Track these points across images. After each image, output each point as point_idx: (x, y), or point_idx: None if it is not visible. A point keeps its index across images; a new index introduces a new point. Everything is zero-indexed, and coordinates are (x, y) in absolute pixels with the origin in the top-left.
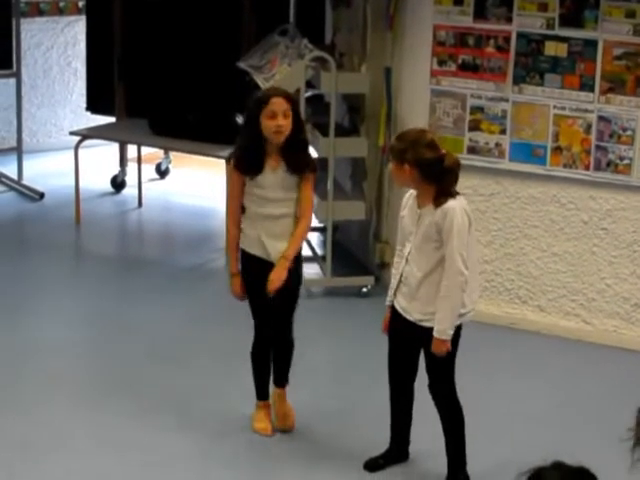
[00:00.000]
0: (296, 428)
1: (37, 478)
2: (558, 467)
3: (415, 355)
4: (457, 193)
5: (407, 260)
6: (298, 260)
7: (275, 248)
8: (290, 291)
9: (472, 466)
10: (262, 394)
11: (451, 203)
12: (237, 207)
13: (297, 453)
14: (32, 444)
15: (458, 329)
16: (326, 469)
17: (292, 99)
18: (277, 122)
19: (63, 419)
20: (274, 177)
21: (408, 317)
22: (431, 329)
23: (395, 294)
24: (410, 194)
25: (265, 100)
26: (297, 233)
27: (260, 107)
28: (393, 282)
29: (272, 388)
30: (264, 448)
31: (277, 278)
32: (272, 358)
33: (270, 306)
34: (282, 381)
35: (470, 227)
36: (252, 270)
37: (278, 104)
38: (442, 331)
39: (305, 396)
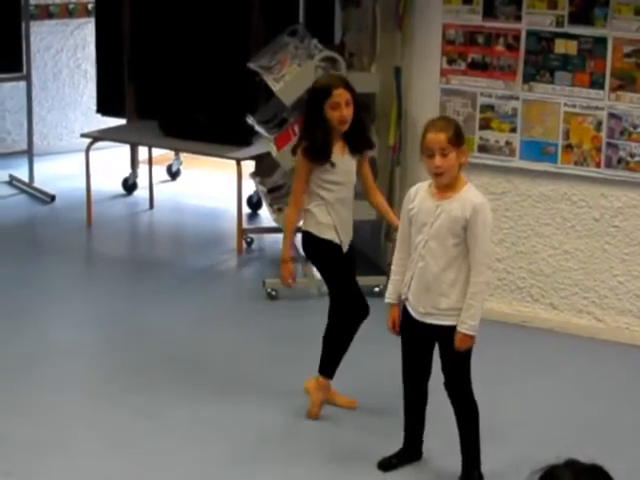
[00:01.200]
0: (305, 428)
1: (45, 476)
2: (571, 465)
3: (429, 354)
4: None
5: (421, 255)
6: None
7: (346, 234)
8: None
9: (485, 465)
10: (328, 370)
11: (477, 197)
12: (303, 195)
13: (305, 451)
14: (42, 446)
15: None
16: (337, 467)
17: (349, 84)
18: (341, 113)
19: (74, 420)
20: (343, 161)
21: (420, 312)
22: (447, 327)
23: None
24: (418, 186)
25: (328, 92)
26: (385, 206)
27: (323, 98)
28: (397, 278)
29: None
30: (277, 443)
31: None
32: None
33: (353, 278)
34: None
35: None
36: (328, 251)
37: (340, 95)
38: (473, 327)
39: None
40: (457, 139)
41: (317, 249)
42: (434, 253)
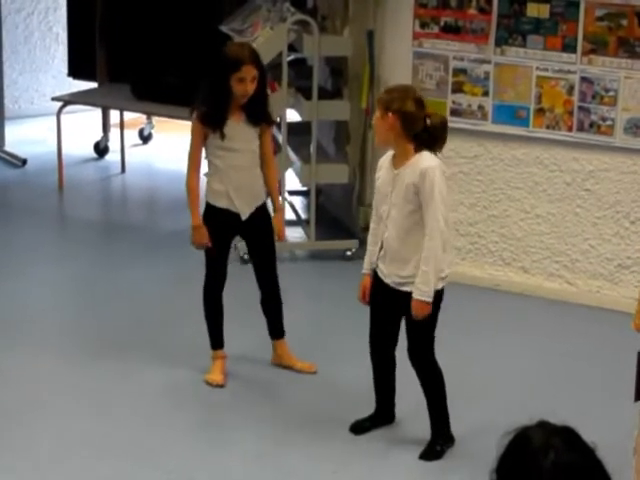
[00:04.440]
0: (277, 391)
1: (24, 439)
2: (543, 426)
3: (397, 322)
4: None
5: (386, 224)
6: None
7: (242, 199)
8: (271, 241)
9: (456, 426)
10: (218, 342)
11: (427, 162)
12: (200, 159)
13: (279, 416)
14: (16, 409)
15: (440, 294)
16: (311, 432)
17: (259, 62)
18: (245, 88)
19: (48, 384)
20: (238, 128)
21: (388, 281)
22: (408, 294)
23: (377, 260)
24: (386, 156)
25: (237, 67)
26: (273, 184)
27: (232, 71)
28: (372, 249)
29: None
30: (246, 409)
31: (282, 227)
32: (266, 312)
33: (227, 256)
34: (283, 330)
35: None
36: (218, 222)
37: (248, 71)
38: (425, 292)
39: None
40: (385, 103)
41: (210, 218)
42: (395, 221)
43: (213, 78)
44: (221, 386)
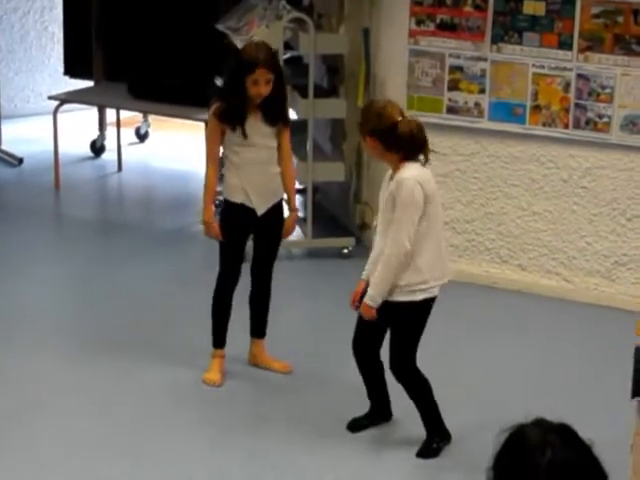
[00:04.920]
0: (275, 390)
1: (23, 439)
2: (539, 423)
3: (381, 329)
4: (425, 162)
5: (376, 232)
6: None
7: (258, 194)
8: (278, 240)
9: (453, 425)
10: (221, 341)
11: (406, 173)
12: (217, 154)
13: (276, 414)
14: (15, 409)
15: (426, 306)
16: (308, 430)
17: (276, 65)
18: (259, 90)
19: (47, 384)
20: (255, 125)
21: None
22: (392, 304)
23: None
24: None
25: (252, 69)
26: (290, 184)
27: (247, 73)
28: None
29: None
30: (244, 407)
31: (292, 228)
32: (253, 309)
33: (242, 253)
34: (264, 331)
35: (431, 200)
36: (233, 217)
37: (262, 74)
38: (371, 296)
39: (284, 356)
40: (360, 129)
41: (226, 213)
42: (380, 230)
43: (229, 77)
44: (218, 386)
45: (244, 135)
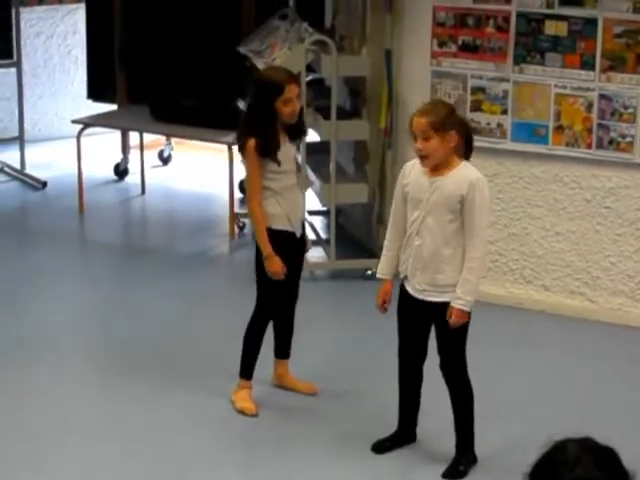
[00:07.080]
0: (299, 410)
1: (45, 463)
2: (583, 441)
3: (425, 334)
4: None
5: (418, 231)
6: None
7: (296, 217)
8: (302, 260)
9: (478, 446)
10: (250, 373)
11: (473, 174)
12: (260, 186)
13: (300, 435)
14: (41, 430)
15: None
16: (333, 451)
17: (297, 78)
18: (294, 108)
19: (66, 407)
20: (285, 150)
21: (417, 287)
22: (443, 304)
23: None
24: (413, 163)
25: (280, 89)
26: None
27: (276, 95)
28: (389, 254)
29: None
30: (268, 429)
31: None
32: (279, 328)
33: (286, 289)
34: (289, 352)
35: None
36: (280, 246)
37: (292, 91)
38: (468, 302)
39: (309, 378)
40: (441, 124)
41: (271, 242)
42: (431, 229)
43: (258, 107)
44: (255, 415)
45: (279, 163)
